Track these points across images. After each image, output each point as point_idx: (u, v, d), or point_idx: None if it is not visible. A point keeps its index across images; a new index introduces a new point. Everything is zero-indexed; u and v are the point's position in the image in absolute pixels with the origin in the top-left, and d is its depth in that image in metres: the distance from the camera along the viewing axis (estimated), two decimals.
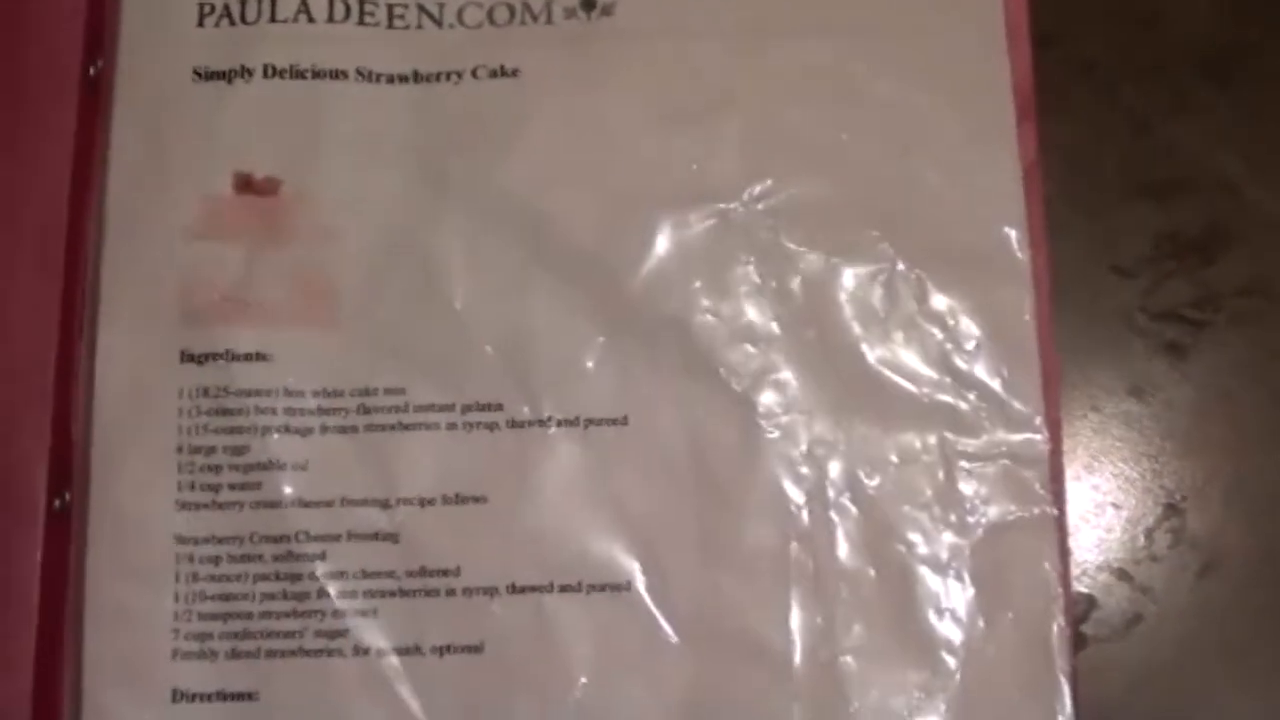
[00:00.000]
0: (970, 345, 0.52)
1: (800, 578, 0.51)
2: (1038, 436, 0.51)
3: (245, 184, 0.53)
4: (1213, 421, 0.54)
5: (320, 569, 0.51)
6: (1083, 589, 0.53)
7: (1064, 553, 0.51)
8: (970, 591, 0.51)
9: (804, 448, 0.52)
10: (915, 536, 0.51)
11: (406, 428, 0.52)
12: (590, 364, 0.52)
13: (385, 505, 0.51)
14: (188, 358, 0.52)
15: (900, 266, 0.53)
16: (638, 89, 0.54)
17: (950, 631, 0.50)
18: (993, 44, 0.54)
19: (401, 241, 0.53)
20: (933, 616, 0.51)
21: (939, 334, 0.52)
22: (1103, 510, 0.54)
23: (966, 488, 0.51)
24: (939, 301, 0.53)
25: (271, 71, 0.54)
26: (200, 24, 0.55)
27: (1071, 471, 0.53)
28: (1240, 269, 0.55)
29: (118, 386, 0.52)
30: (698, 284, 0.53)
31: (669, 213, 0.53)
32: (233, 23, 0.55)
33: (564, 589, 0.51)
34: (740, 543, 0.51)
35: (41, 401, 0.51)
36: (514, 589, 0.51)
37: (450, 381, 0.52)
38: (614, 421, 0.52)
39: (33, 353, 0.52)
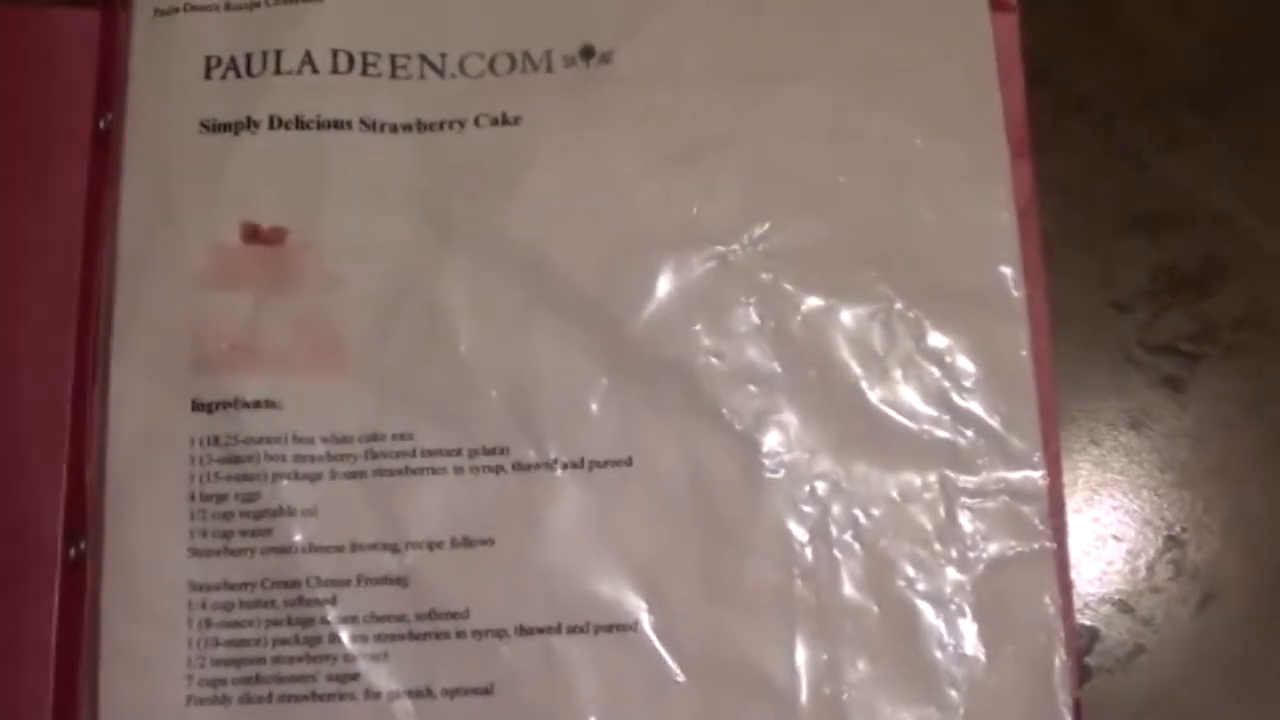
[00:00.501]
0: (968, 383, 0.53)
1: (804, 614, 0.51)
2: (1036, 473, 0.52)
3: (252, 233, 0.54)
4: (1212, 453, 0.54)
5: (331, 613, 0.51)
6: (1085, 621, 0.53)
7: (1065, 586, 0.51)
8: (972, 626, 0.51)
9: (806, 486, 0.52)
10: (917, 573, 0.51)
11: (414, 472, 0.52)
12: (594, 406, 0.53)
13: (394, 549, 0.52)
14: (199, 406, 0.53)
15: (898, 306, 0.53)
16: (637, 134, 0.55)
17: (953, 666, 0.51)
18: (985, 83, 0.55)
19: (406, 287, 0.54)
20: (936, 651, 0.51)
21: (937, 372, 0.53)
22: (1104, 543, 0.54)
23: (967, 524, 0.52)
24: (936, 340, 0.53)
25: (277, 123, 0.55)
26: (207, 77, 0.55)
27: (1072, 505, 0.54)
28: (1236, 301, 0.55)
29: (131, 435, 0.52)
30: (699, 325, 0.53)
31: (669, 255, 0.54)
32: (239, 75, 0.55)
33: (572, 630, 0.51)
34: (744, 580, 0.52)
35: (56, 450, 0.52)
36: (522, 630, 0.51)
37: (457, 426, 0.53)
38: (618, 463, 0.52)
39: (47, 402, 0.53)
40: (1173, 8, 0.58)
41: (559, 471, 0.52)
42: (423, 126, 0.55)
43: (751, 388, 0.53)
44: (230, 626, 0.51)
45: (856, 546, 0.52)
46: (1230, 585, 0.53)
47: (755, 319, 0.54)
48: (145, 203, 0.54)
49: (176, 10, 0.56)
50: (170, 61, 0.56)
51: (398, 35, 0.56)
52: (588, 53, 0.56)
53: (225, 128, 0.55)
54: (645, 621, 0.51)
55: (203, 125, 0.55)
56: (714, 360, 0.53)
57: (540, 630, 0.51)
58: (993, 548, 0.52)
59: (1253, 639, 0.53)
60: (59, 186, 0.55)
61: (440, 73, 0.56)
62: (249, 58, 0.56)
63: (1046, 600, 0.51)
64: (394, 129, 0.55)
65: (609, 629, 0.51)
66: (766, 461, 0.52)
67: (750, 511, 0.52)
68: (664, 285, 0.54)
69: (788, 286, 0.54)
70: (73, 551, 0.52)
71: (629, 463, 0.52)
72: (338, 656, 0.51)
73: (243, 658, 0.51)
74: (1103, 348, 0.55)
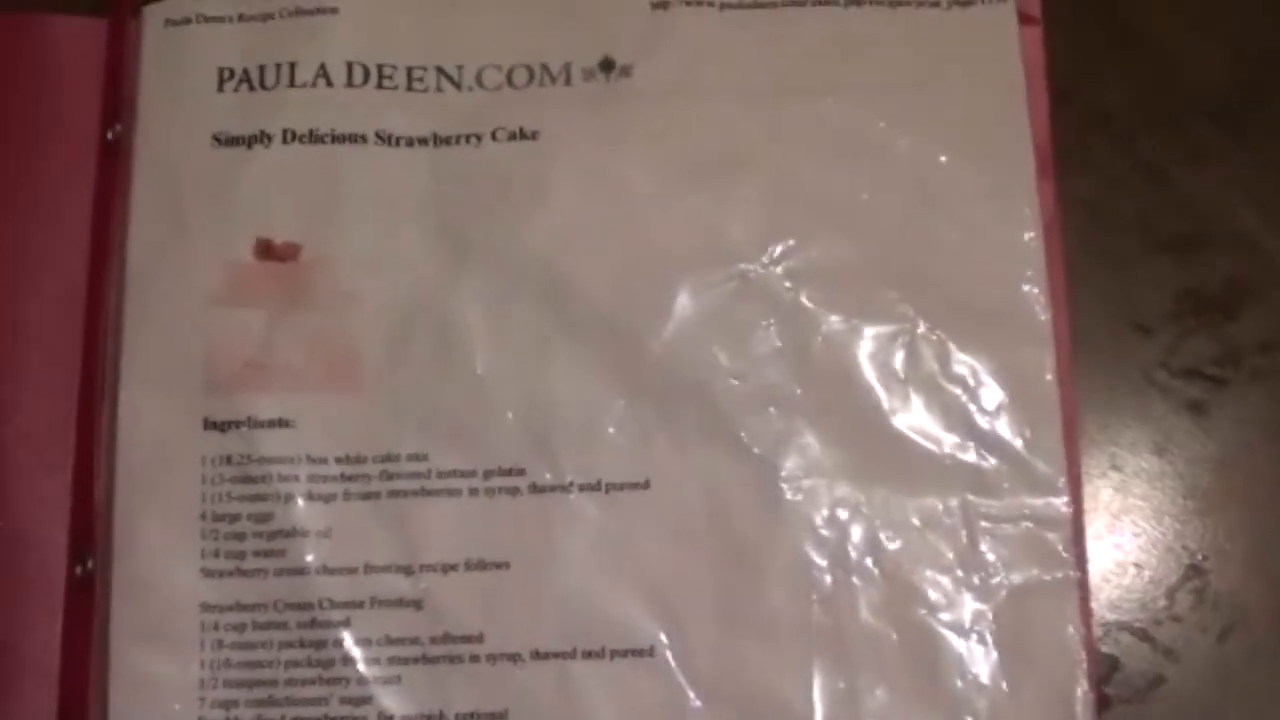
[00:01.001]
0: (992, 406, 0.52)
1: (823, 641, 0.51)
2: (1060, 500, 0.51)
3: (266, 250, 0.53)
4: (1235, 480, 0.53)
5: (345, 636, 0.51)
6: (1105, 650, 0.52)
7: (1086, 614, 0.51)
8: (994, 655, 0.50)
9: (826, 511, 0.52)
10: (938, 599, 0.51)
11: (429, 494, 0.52)
12: (611, 428, 0.52)
13: (408, 572, 0.51)
14: (210, 425, 0.52)
15: (921, 328, 0.53)
16: (657, 149, 0.54)
17: (974, 695, 0.50)
18: (1012, 101, 0.54)
19: (422, 305, 0.53)
20: (956, 680, 0.50)
21: (961, 395, 0.52)
22: (1124, 570, 0.53)
23: (989, 551, 0.51)
24: (960, 362, 0.52)
25: (291, 136, 0.54)
26: (220, 89, 0.55)
27: (1093, 530, 0.53)
28: (1261, 325, 0.54)
29: (141, 453, 0.52)
30: (718, 346, 0.53)
31: (689, 273, 0.53)
32: (252, 88, 0.55)
33: (588, 655, 0.51)
34: (762, 606, 0.51)
35: (62, 467, 0.52)
36: (538, 655, 0.51)
37: (473, 447, 0.52)
38: (635, 485, 0.52)
39: (53, 418, 0.52)
40: (1197, 24, 0.57)
41: (575, 494, 0.52)
42: (439, 141, 0.55)
43: (771, 410, 0.52)
44: (243, 648, 0.51)
45: (876, 573, 0.51)
46: (1252, 615, 0.52)
47: (776, 340, 0.53)
48: (156, 216, 0.54)
49: (188, 21, 0.55)
50: (182, 73, 0.55)
51: (414, 48, 0.56)
52: (607, 65, 0.55)
53: (238, 141, 0.54)
54: (661, 647, 0.51)
55: (215, 138, 0.54)
56: (733, 381, 0.52)
57: (556, 655, 0.51)
58: (1015, 576, 0.51)
59: (1274, 670, 0.52)
60: (66, 198, 0.54)
61: (457, 85, 0.55)
62: (262, 70, 0.55)
63: (1070, 630, 0.50)
64: (410, 143, 0.55)
65: (625, 654, 0.51)
66: (785, 485, 0.52)
67: (768, 536, 0.51)
68: (683, 304, 0.53)
69: (809, 305, 0.53)
70: (79, 569, 0.51)
71: (646, 485, 0.52)
72: (351, 679, 0.51)
73: (256, 680, 0.51)
74: (1125, 371, 0.54)
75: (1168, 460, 0.54)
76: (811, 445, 0.52)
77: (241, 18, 0.55)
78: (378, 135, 0.55)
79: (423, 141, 0.55)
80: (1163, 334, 0.55)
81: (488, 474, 0.52)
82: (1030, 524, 0.51)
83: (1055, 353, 0.52)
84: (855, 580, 0.51)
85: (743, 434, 0.52)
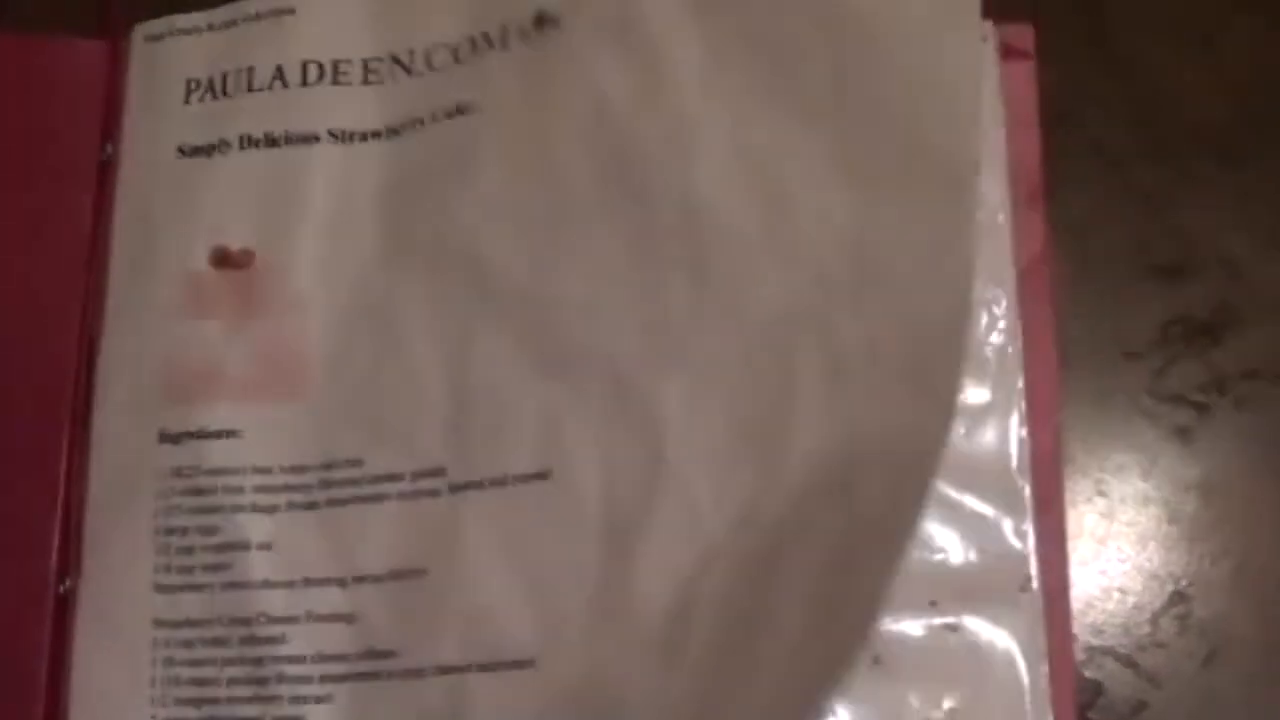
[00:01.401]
0: None
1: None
2: None
3: (223, 258, 0.52)
4: (1221, 506, 0.52)
5: (281, 652, 0.49)
6: (1089, 675, 0.51)
7: (1068, 638, 0.49)
8: None
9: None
10: None
11: (363, 500, 0.49)
12: (520, 416, 0.48)
13: (343, 584, 0.49)
14: (165, 438, 0.51)
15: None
16: (583, 113, 0.50)
17: None
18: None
19: (368, 304, 0.51)
20: None
21: None
22: (1109, 595, 0.52)
23: None
24: None
25: (248, 142, 0.53)
26: (187, 101, 0.54)
27: (1077, 556, 0.51)
28: (1249, 352, 0.54)
29: (109, 470, 0.51)
30: (634, 316, 0.48)
31: (609, 241, 0.49)
32: (215, 96, 0.54)
33: (481, 668, 0.47)
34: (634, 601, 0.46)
35: (50, 486, 0.51)
36: (441, 670, 0.47)
37: (404, 448, 0.49)
38: (537, 476, 0.48)
39: (42, 437, 0.52)
40: (1190, 53, 0.56)
41: (484, 490, 0.48)
42: (390, 132, 0.53)
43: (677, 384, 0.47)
44: (192, 665, 0.49)
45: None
46: (1236, 642, 0.51)
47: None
48: (131, 233, 0.53)
49: (165, 35, 0.55)
50: (155, 88, 0.55)
51: (369, 39, 0.54)
52: (540, 21, 0.51)
53: (200, 151, 0.53)
54: (541, 657, 0.47)
55: (180, 150, 0.54)
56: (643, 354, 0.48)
57: (456, 669, 0.47)
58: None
59: (1259, 697, 0.51)
60: (63, 220, 0.54)
61: (409, 71, 0.53)
62: (225, 77, 0.54)
63: None
64: (363, 137, 0.53)
65: (509, 666, 0.47)
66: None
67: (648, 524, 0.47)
68: (601, 275, 0.49)
69: None
70: (61, 587, 0.51)
71: (545, 476, 0.48)
72: (285, 698, 0.49)
73: (202, 697, 0.49)
74: (1112, 396, 0.53)
75: (1153, 486, 0.53)
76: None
77: (210, 27, 0.55)
78: (330, 133, 0.53)
79: (375, 135, 0.53)
80: (1150, 360, 0.54)
81: (415, 476, 0.49)
82: None
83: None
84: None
85: (646, 409, 0.47)
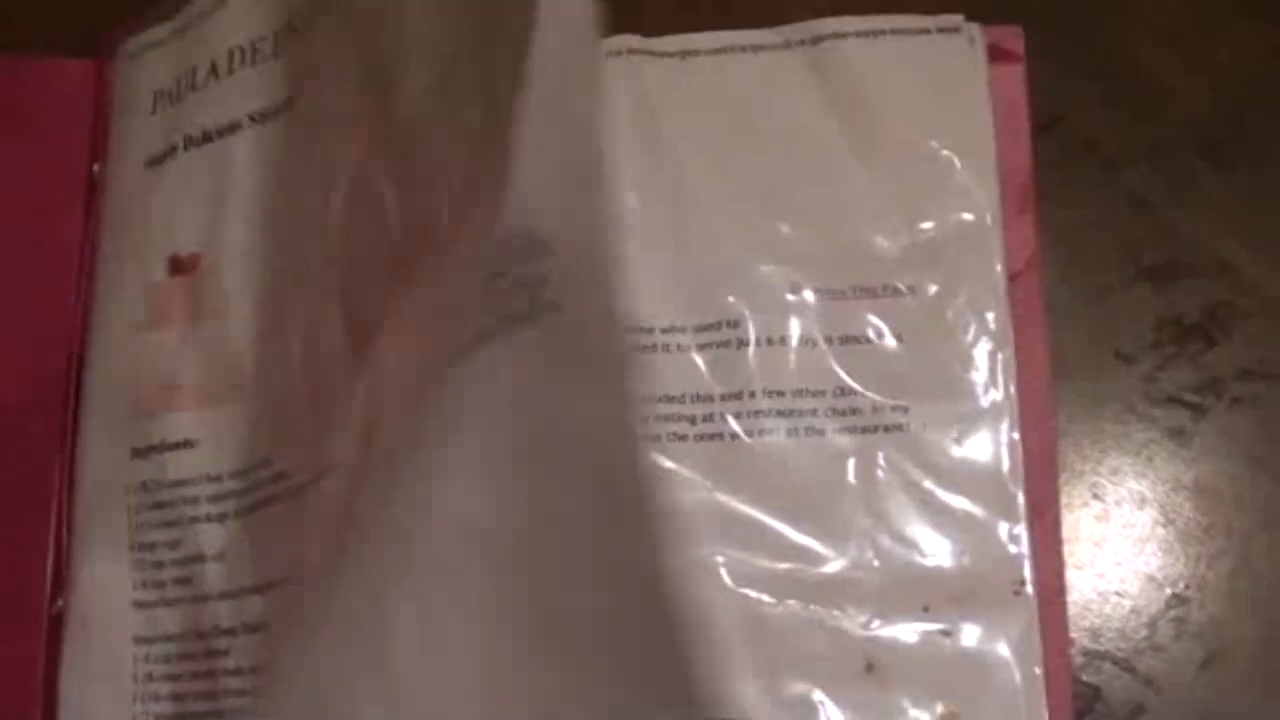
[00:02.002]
0: None
1: None
2: None
3: (175, 265, 0.51)
4: (1216, 508, 0.52)
5: (227, 665, 0.47)
6: (1086, 679, 0.50)
7: (1064, 643, 0.49)
8: None
9: None
10: None
11: (272, 502, 0.47)
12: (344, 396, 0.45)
13: (262, 592, 0.47)
14: (136, 453, 0.50)
15: None
16: None
17: None
18: None
19: (290, 297, 0.48)
20: None
21: None
22: (1106, 599, 0.51)
23: None
24: None
25: (189, 143, 0.52)
26: (153, 113, 0.53)
27: (1073, 560, 0.51)
28: (1243, 353, 0.53)
29: (91, 487, 0.51)
30: None
31: None
32: (172, 103, 0.53)
33: None
34: None
35: (43, 505, 0.51)
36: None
37: (312, 449, 0.46)
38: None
39: (35, 458, 0.52)
40: (1182, 55, 0.56)
41: (321, 485, 0.45)
42: (291, 103, 0.50)
43: None
44: (170, 680, 0.48)
45: None
46: (1234, 645, 0.51)
47: None
48: (108, 249, 0.53)
49: (141, 51, 0.55)
50: (130, 103, 0.54)
51: (284, 9, 0.51)
52: None
53: (156, 161, 0.52)
54: None
55: (147, 162, 0.53)
56: None
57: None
58: None
59: (1257, 700, 0.51)
60: (54, 239, 0.54)
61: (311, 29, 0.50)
62: (179, 83, 0.53)
63: None
64: (275, 114, 0.50)
65: None
66: None
67: None
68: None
69: None
70: (53, 607, 0.51)
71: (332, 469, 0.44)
72: (229, 713, 0.47)
73: (179, 713, 0.48)
74: (1106, 399, 0.53)
75: (1149, 488, 0.53)
76: None
77: (173, 34, 0.54)
78: (249, 117, 0.51)
79: (284, 108, 0.50)
80: (1144, 362, 0.54)
81: (315, 475, 0.45)
82: None
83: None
84: None
85: None
